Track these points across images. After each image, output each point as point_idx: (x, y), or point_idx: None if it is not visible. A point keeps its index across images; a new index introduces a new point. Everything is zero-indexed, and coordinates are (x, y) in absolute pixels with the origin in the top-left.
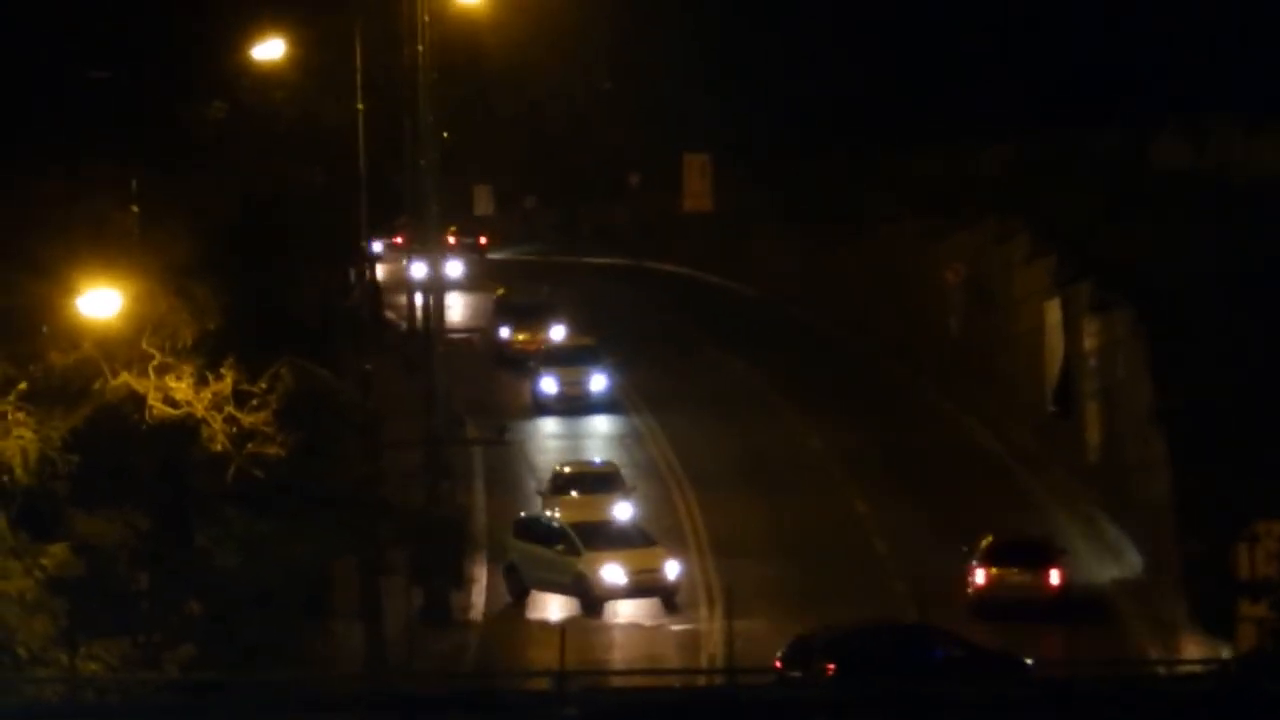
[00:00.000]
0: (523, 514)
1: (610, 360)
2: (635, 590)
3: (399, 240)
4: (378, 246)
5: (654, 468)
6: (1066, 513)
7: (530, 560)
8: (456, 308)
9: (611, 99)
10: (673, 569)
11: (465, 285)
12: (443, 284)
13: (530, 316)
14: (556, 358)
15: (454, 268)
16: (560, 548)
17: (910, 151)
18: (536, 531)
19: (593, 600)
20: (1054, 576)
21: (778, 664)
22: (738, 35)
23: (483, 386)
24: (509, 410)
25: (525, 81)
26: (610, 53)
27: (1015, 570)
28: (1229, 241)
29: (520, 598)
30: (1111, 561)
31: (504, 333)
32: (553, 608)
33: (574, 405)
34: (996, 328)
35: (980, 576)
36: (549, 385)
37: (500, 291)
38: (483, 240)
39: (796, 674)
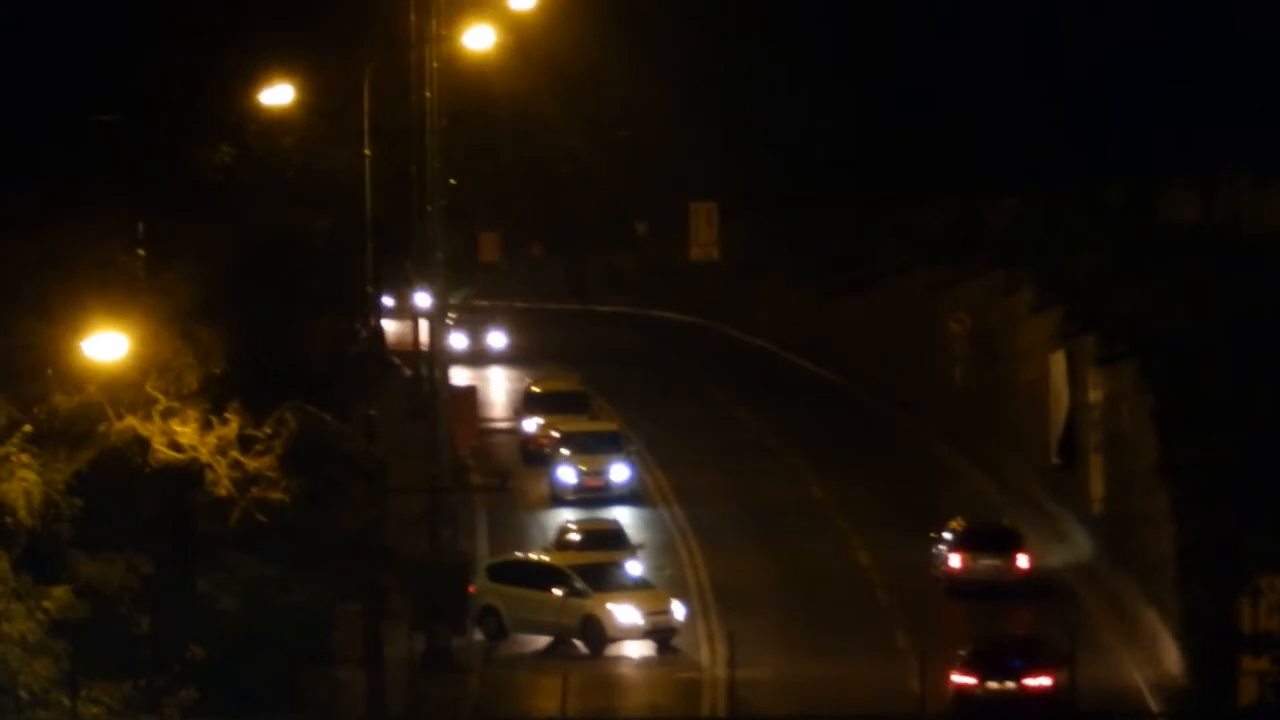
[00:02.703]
0: (518, 554)
1: (634, 447)
2: (649, 632)
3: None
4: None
5: (658, 516)
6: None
7: (518, 603)
8: (498, 387)
9: (619, 147)
10: (679, 610)
11: (509, 358)
12: (444, 332)
13: (561, 408)
14: (575, 445)
15: (497, 339)
16: (563, 590)
17: (919, 202)
18: (524, 574)
19: (603, 642)
20: (1022, 560)
21: (965, 679)
22: (746, 84)
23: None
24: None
25: (533, 129)
26: (618, 101)
27: (987, 555)
28: (1236, 296)
29: (497, 640)
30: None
31: (529, 426)
32: (547, 651)
33: (594, 496)
34: (1001, 379)
35: (955, 561)
36: (567, 475)
37: (531, 383)
38: None
39: (996, 686)
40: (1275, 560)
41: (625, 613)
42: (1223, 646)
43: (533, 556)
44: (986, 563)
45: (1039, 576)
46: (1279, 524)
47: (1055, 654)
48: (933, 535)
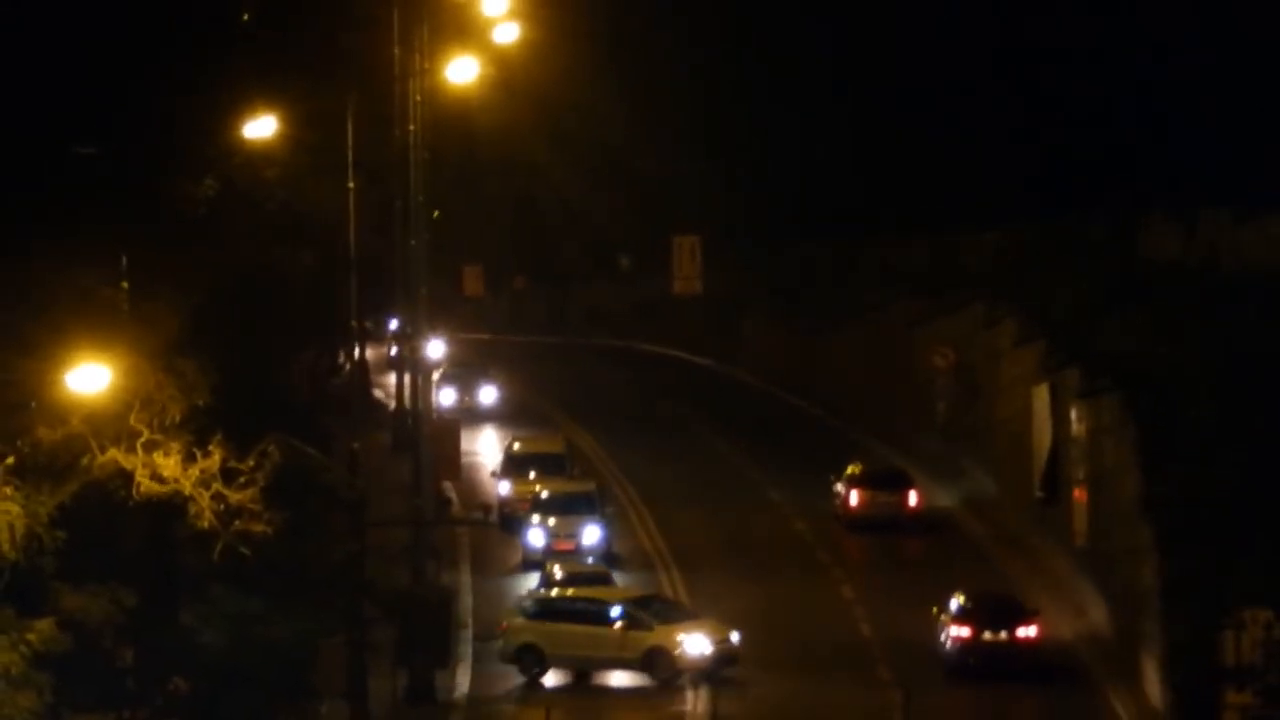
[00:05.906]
0: (555, 589)
1: (610, 509)
2: (718, 659)
3: None
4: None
5: (639, 548)
6: (1051, 590)
7: (566, 639)
8: (490, 447)
9: (604, 181)
10: (735, 638)
11: (500, 415)
12: (429, 365)
13: (538, 469)
14: (548, 506)
15: (488, 394)
16: (622, 624)
17: (902, 236)
18: (572, 610)
19: (672, 673)
20: (912, 498)
21: (961, 631)
22: (731, 121)
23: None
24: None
25: (517, 162)
26: (603, 135)
27: (882, 493)
28: (1217, 330)
29: (535, 679)
30: (1075, 616)
31: (504, 488)
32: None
33: (565, 560)
34: (983, 413)
35: (854, 498)
36: (536, 537)
37: (512, 441)
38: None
39: (991, 636)
40: (1259, 593)
41: (695, 642)
42: (1206, 680)
43: (569, 592)
44: (881, 499)
45: (928, 513)
46: (1262, 557)
47: (1028, 609)
48: (833, 478)
